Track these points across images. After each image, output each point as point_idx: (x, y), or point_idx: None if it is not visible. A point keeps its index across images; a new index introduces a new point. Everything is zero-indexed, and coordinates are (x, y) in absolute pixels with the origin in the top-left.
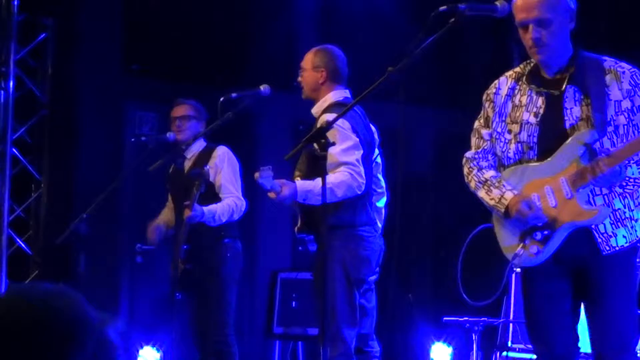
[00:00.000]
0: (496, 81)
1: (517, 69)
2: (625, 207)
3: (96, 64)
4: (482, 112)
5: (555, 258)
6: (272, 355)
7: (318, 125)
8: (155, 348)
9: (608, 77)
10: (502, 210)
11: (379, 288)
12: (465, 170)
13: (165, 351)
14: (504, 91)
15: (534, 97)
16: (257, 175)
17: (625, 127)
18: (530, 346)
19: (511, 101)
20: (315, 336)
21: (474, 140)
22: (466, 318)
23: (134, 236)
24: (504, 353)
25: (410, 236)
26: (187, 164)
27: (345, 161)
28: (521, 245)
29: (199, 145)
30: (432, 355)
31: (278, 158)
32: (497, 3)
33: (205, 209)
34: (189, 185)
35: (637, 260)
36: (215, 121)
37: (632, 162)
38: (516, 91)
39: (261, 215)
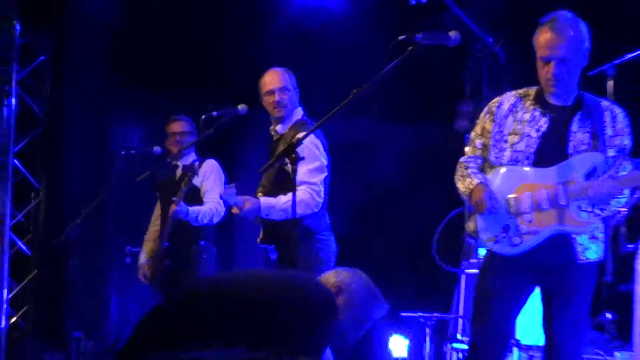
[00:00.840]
0: (499, 98)
1: (520, 91)
2: (597, 229)
3: (88, 84)
4: (479, 123)
5: (530, 255)
6: None
7: (292, 140)
8: None
9: (605, 115)
10: (468, 193)
11: None
12: (458, 166)
13: None
14: (506, 106)
15: (538, 116)
16: (221, 192)
17: (613, 158)
18: None
19: (512, 116)
20: None
21: (469, 148)
22: (420, 314)
23: (123, 239)
24: (453, 344)
25: (369, 242)
26: (179, 173)
27: (308, 181)
28: (504, 235)
29: (191, 158)
30: (390, 346)
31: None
32: (450, 33)
33: (190, 208)
34: (178, 189)
35: None
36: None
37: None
38: (518, 108)
39: (239, 222)
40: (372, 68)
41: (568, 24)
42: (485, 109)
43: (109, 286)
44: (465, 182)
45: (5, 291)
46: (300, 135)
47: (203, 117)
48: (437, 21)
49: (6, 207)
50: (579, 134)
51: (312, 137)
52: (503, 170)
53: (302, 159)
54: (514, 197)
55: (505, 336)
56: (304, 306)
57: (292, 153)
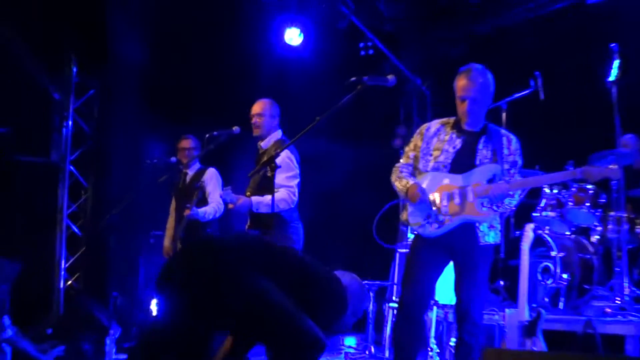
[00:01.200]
0: (427, 123)
1: (443, 120)
2: (494, 220)
3: (125, 111)
4: (412, 141)
5: (445, 237)
6: None
7: (272, 154)
8: None
9: (503, 139)
10: (405, 190)
11: None
12: (393, 170)
13: None
14: (432, 130)
15: (454, 137)
16: (221, 192)
17: (508, 170)
18: None
19: (436, 137)
20: None
21: (403, 158)
22: (366, 281)
23: (149, 225)
24: (390, 304)
25: (329, 228)
26: (188, 179)
27: (286, 185)
28: (427, 221)
29: (196, 167)
30: None
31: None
32: (389, 77)
33: (199, 210)
34: (189, 192)
35: None
36: (202, 150)
37: (511, 194)
38: (441, 132)
39: (236, 215)
40: (331, 101)
41: (479, 73)
42: (417, 130)
43: (138, 259)
44: (402, 182)
45: (63, 261)
46: (278, 150)
47: (207, 135)
48: (380, 68)
49: (64, 200)
50: (483, 151)
51: (287, 151)
52: (428, 175)
53: (279, 167)
54: (435, 194)
55: (426, 297)
56: (335, 292)
57: (272, 163)
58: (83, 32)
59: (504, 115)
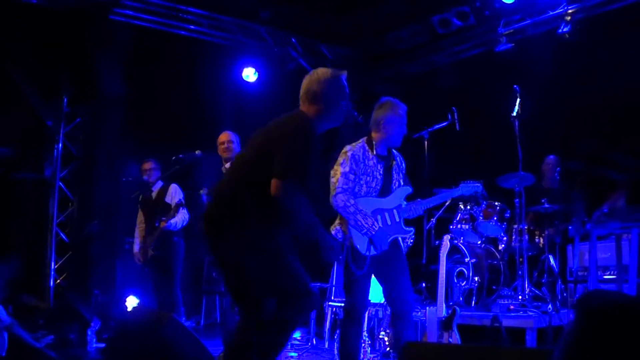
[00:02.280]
0: (351, 148)
1: (360, 144)
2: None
3: (106, 136)
4: (347, 164)
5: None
6: (201, 303)
7: None
8: (135, 297)
9: (398, 159)
10: (373, 232)
11: None
12: (343, 197)
13: (141, 299)
14: (359, 155)
15: (376, 162)
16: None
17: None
18: (342, 299)
19: (364, 162)
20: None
21: (343, 179)
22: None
23: (124, 233)
24: (329, 303)
25: None
26: (154, 195)
27: None
28: (371, 245)
29: (160, 184)
30: None
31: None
32: None
33: (171, 221)
34: (154, 205)
35: None
36: (169, 170)
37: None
38: (366, 157)
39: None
40: None
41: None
42: (348, 155)
43: (115, 262)
44: (367, 219)
45: (52, 263)
46: None
47: (173, 157)
48: None
49: (54, 211)
50: (395, 175)
51: None
52: (362, 200)
53: None
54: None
55: (365, 302)
56: None
57: None
58: (73, 71)
59: (426, 142)
